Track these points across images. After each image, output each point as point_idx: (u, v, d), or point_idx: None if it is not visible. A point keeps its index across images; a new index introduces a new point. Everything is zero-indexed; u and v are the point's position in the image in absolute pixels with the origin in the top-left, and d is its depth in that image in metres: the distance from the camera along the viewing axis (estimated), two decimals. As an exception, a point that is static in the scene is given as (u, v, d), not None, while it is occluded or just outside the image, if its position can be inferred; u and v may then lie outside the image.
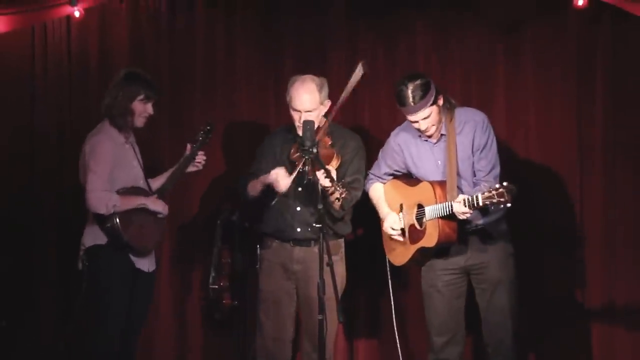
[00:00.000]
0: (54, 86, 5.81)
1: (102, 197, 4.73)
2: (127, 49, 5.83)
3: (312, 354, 4.96)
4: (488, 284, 4.79)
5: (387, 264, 5.03)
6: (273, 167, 4.89)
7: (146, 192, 4.94)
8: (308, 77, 4.93)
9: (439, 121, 4.74)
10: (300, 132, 4.76)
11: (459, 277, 4.84)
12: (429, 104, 4.64)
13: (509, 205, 4.39)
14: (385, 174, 5.00)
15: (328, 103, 4.93)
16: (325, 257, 4.26)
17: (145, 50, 5.85)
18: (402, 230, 4.89)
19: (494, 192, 4.39)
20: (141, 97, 4.87)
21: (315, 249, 4.83)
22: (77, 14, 5.63)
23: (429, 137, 4.78)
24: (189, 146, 5.12)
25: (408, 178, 4.95)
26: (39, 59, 5.79)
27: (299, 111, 4.86)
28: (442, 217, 4.65)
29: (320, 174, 4.53)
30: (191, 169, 5.12)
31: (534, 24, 5.61)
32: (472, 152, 4.74)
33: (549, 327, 5.55)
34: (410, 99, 4.62)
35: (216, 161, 5.69)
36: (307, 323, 4.99)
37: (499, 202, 4.39)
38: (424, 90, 4.63)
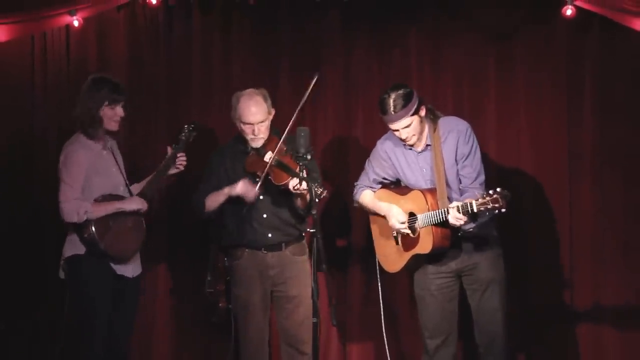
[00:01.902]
0: (53, 94, 5.83)
1: (72, 205, 4.69)
2: (125, 57, 5.86)
3: (292, 352, 5.07)
4: (479, 285, 4.84)
5: (377, 268, 5.06)
6: (227, 182, 5.02)
7: (123, 198, 4.87)
8: (251, 90, 5.07)
9: (421, 131, 4.80)
10: (253, 144, 4.99)
11: (451, 280, 4.88)
12: (409, 114, 4.70)
13: (503, 210, 4.43)
14: (374, 181, 5.03)
15: (273, 111, 5.07)
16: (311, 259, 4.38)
17: (143, 58, 5.89)
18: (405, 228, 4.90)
19: (488, 198, 4.44)
20: (107, 102, 4.83)
21: (287, 252, 5.05)
22: (76, 23, 5.66)
23: (412, 146, 4.82)
24: (169, 148, 5.09)
25: (397, 186, 4.99)
26: (38, 67, 5.82)
27: (252, 124, 4.98)
28: (435, 224, 4.70)
29: (294, 181, 4.68)
30: (172, 171, 5.06)
31: (525, 32, 5.67)
32: (456, 160, 4.79)
33: (538, 331, 5.60)
34: (392, 108, 4.69)
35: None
36: (286, 324, 5.10)
37: (493, 208, 4.44)
38: (406, 100, 4.69)
